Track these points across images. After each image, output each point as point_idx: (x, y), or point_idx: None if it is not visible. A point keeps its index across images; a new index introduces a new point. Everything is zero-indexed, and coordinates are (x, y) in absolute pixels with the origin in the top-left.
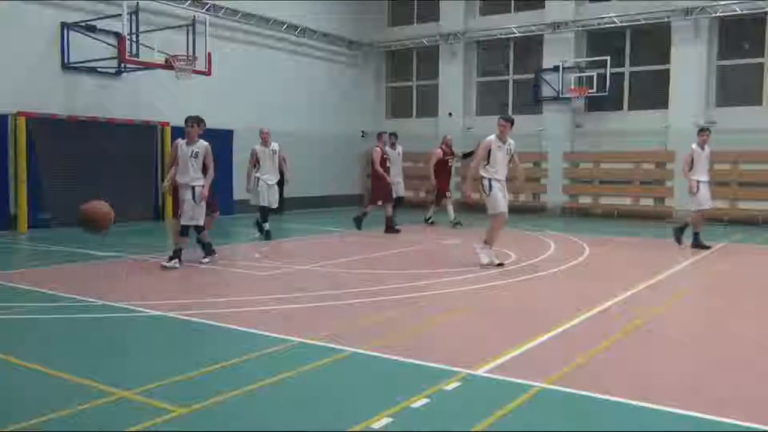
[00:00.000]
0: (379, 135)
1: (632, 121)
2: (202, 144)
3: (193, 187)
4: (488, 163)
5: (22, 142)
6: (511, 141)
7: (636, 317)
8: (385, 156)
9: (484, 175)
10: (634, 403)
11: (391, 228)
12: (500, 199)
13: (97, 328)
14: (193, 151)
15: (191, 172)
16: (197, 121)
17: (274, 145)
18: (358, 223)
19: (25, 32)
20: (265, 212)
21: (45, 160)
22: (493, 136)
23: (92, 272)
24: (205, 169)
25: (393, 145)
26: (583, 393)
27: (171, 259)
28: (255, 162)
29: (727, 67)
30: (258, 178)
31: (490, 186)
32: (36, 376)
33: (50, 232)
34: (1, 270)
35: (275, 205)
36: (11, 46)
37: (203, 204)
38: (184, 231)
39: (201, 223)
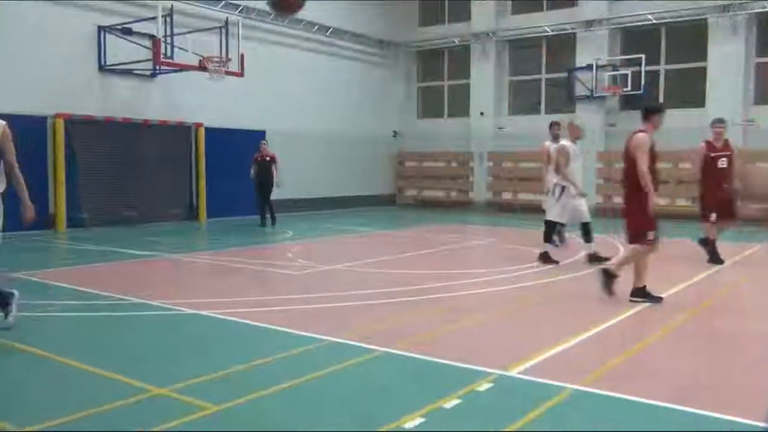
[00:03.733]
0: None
1: (668, 120)
2: None
3: None
4: None
5: (60, 143)
6: None
7: (674, 318)
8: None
9: None
10: (670, 405)
11: (710, 250)
12: None
13: (133, 326)
14: None
15: None
16: None
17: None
18: (710, 252)
19: (64, 36)
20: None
21: (82, 160)
22: None
23: (128, 271)
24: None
25: (556, 138)
26: (618, 395)
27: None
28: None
29: (765, 65)
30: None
31: None
32: (73, 373)
33: (87, 232)
34: (39, 268)
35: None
36: (50, 49)
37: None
38: None
39: None
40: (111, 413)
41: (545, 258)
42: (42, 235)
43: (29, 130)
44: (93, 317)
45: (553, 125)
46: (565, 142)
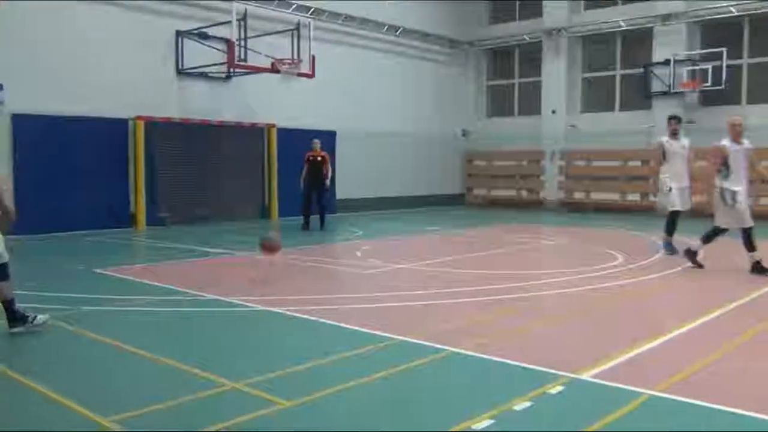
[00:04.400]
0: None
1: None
2: None
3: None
4: None
5: (140, 145)
6: None
7: (757, 323)
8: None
9: None
10: (752, 414)
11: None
12: None
13: (208, 322)
14: None
15: None
16: None
17: (684, 141)
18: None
19: (144, 41)
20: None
21: (161, 161)
22: None
23: (204, 268)
24: None
25: (674, 134)
26: (697, 402)
27: None
28: (663, 158)
29: None
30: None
31: None
32: (151, 366)
33: (166, 230)
34: (121, 265)
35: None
36: (131, 54)
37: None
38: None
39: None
40: (186, 406)
41: (692, 257)
42: (123, 233)
43: (111, 133)
44: (170, 312)
45: (671, 120)
46: (725, 142)
